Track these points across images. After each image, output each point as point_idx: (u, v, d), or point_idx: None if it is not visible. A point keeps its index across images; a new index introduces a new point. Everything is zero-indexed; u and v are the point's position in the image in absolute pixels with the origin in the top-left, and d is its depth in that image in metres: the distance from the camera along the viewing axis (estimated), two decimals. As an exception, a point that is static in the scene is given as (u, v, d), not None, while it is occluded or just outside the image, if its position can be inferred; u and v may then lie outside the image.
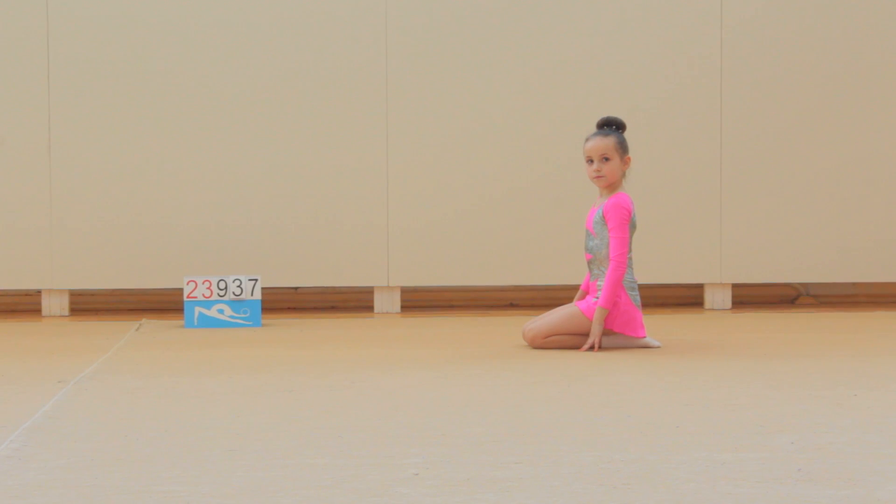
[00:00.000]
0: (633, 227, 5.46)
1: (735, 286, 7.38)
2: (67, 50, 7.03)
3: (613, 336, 5.46)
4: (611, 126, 5.50)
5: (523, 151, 7.19)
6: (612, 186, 5.48)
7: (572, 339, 5.47)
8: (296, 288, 7.41)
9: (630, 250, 5.44)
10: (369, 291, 7.32)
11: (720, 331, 6.27)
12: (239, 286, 6.49)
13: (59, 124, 7.05)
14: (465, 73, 7.17)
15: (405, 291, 7.32)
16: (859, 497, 2.80)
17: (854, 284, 7.58)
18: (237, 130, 7.11)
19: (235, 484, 2.96)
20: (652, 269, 7.19)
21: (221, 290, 6.48)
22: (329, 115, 7.13)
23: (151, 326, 6.53)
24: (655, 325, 6.19)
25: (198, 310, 6.48)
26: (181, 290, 6.82)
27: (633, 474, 3.02)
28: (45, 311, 7.13)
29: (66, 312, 7.13)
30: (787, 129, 7.25)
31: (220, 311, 6.49)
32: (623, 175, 5.49)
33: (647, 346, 5.48)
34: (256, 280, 6.51)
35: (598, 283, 5.45)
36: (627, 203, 5.42)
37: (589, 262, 5.52)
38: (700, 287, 7.38)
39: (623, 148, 5.48)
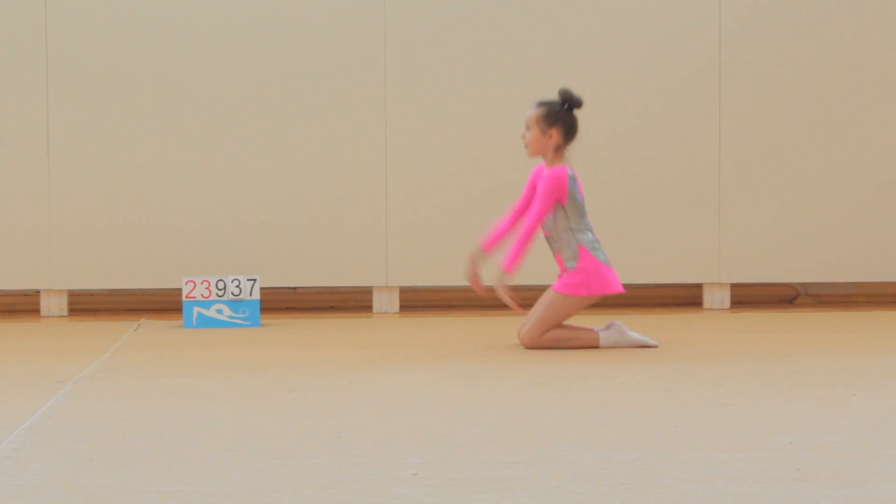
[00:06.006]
0: (573, 198, 5.44)
1: (734, 286, 7.37)
2: (66, 50, 7.03)
3: (609, 332, 5.46)
4: (564, 101, 5.49)
5: (522, 150, 7.17)
6: (547, 159, 5.48)
7: (567, 340, 5.46)
8: (294, 288, 7.41)
9: (585, 215, 5.46)
10: (368, 291, 7.31)
11: (719, 331, 6.27)
12: (238, 286, 6.49)
13: (57, 124, 7.04)
14: (463, 73, 7.17)
15: (404, 291, 7.32)
16: (858, 496, 2.80)
17: (853, 284, 7.58)
18: (235, 130, 7.10)
19: (234, 484, 2.96)
20: (651, 269, 7.19)
21: (220, 290, 6.48)
22: (327, 115, 7.13)
23: (150, 326, 6.53)
24: (654, 325, 6.19)
25: (196, 310, 6.48)
26: (180, 290, 6.82)
27: (632, 474, 3.02)
28: (43, 311, 7.13)
29: (65, 313, 7.13)
30: (785, 129, 7.24)
31: (219, 311, 6.49)
32: (554, 149, 5.45)
33: (644, 346, 5.47)
34: (255, 280, 6.51)
35: (561, 255, 5.48)
36: (561, 175, 5.41)
37: (547, 239, 5.54)
38: (699, 287, 7.38)
39: (547, 121, 5.46)
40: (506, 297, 5.42)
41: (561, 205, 5.46)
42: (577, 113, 5.50)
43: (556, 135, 5.45)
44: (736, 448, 3.30)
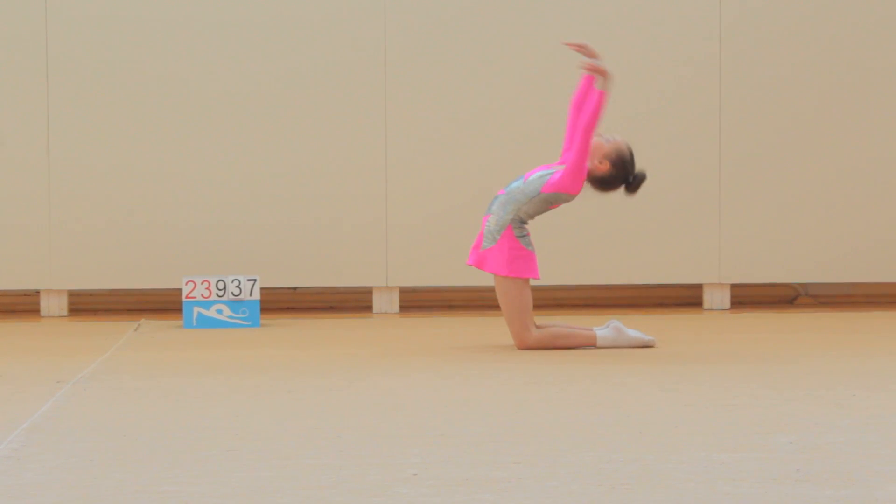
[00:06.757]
0: (553, 199, 5.43)
1: (734, 286, 7.38)
2: (66, 51, 7.03)
3: (607, 331, 5.46)
4: (635, 176, 5.49)
5: (522, 151, 7.18)
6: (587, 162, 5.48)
7: (565, 339, 5.46)
8: (294, 288, 7.41)
9: (531, 217, 5.46)
10: (368, 292, 7.31)
11: (719, 331, 6.27)
12: (238, 286, 6.49)
13: (57, 125, 7.04)
14: (463, 73, 7.17)
15: (404, 291, 7.32)
16: (858, 497, 2.80)
17: (852, 284, 7.58)
18: (236, 131, 7.10)
19: (234, 484, 2.96)
20: (651, 269, 7.19)
21: (220, 290, 6.48)
22: (328, 115, 7.13)
23: (150, 327, 6.53)
24: (654, 325, 6.19)
25: (196, 310, 6.48)
26: (180, 290, 6.82)
27: (632, 474, 3.02)
28: (43, 311, 7.13)
29: (65, 313, 7.13)
30: (786, 130, 7.24)
31: (219, 312, 6.49)
32: (591, 169, 5.42)
33: (642, 345, 5.47)
34: (255, 280, 6.51)
35: (489, 220, 5.47)
36: (580, 178, 5.38)
37: (495, 198, 5.51)
38: (699, 287, 7.38)
39: (613, 160, 5.43)
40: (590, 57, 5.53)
41: (543, 190, 5.42)
42: (617, 193, 5.53)
43: (604, 167, 5.45)
44: (736, 448, 3.30)
